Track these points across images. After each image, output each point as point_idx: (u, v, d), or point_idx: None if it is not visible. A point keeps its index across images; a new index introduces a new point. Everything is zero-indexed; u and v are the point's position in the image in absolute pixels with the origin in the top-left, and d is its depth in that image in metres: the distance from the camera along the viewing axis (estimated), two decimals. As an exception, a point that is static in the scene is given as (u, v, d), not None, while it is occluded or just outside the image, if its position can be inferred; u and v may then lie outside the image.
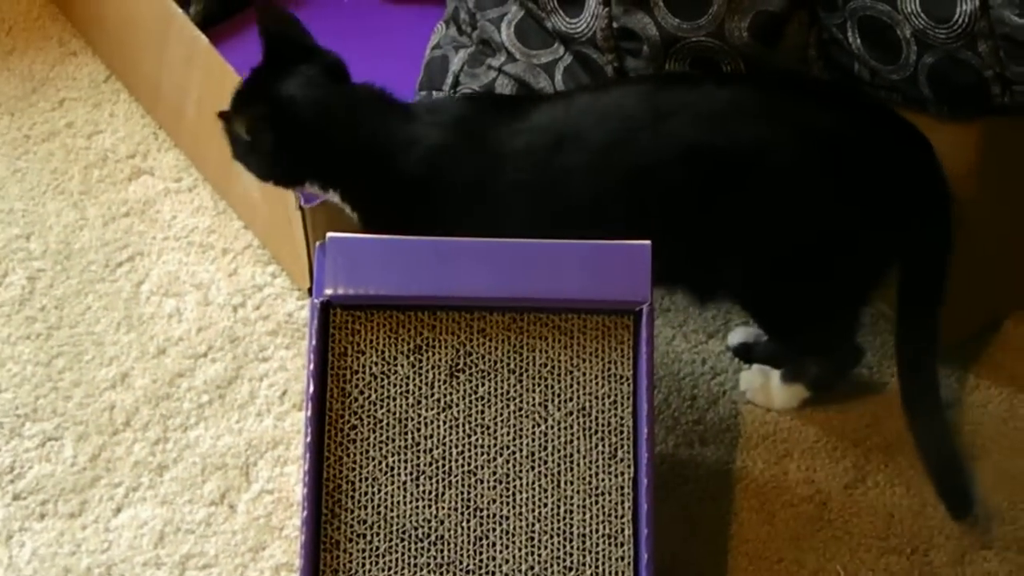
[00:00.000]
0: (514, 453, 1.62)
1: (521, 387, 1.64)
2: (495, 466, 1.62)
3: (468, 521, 1.61)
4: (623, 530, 1.60)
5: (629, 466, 1.62)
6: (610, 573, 1.60)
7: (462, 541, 1.60)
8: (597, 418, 1.63)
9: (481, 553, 1.60)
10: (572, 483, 1.61)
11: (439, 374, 1.64)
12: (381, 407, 1.63)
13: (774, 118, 1.76)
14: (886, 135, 1.78)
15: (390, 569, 1.59)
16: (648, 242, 1.62)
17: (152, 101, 2.27)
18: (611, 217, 1.74)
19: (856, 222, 1.77)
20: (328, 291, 1.62)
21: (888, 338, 1.93)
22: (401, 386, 1.63)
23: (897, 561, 1.83)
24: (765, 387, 1.97)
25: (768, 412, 1.97)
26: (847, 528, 1.86)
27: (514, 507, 1.61)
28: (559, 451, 1.62)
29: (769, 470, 1.92)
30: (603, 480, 1.62)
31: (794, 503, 1.89)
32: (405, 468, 1.62)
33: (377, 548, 1.59)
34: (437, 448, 1.62)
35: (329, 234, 1.63)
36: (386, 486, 1.61)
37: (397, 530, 1.60)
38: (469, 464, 1.62)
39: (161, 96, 2.23)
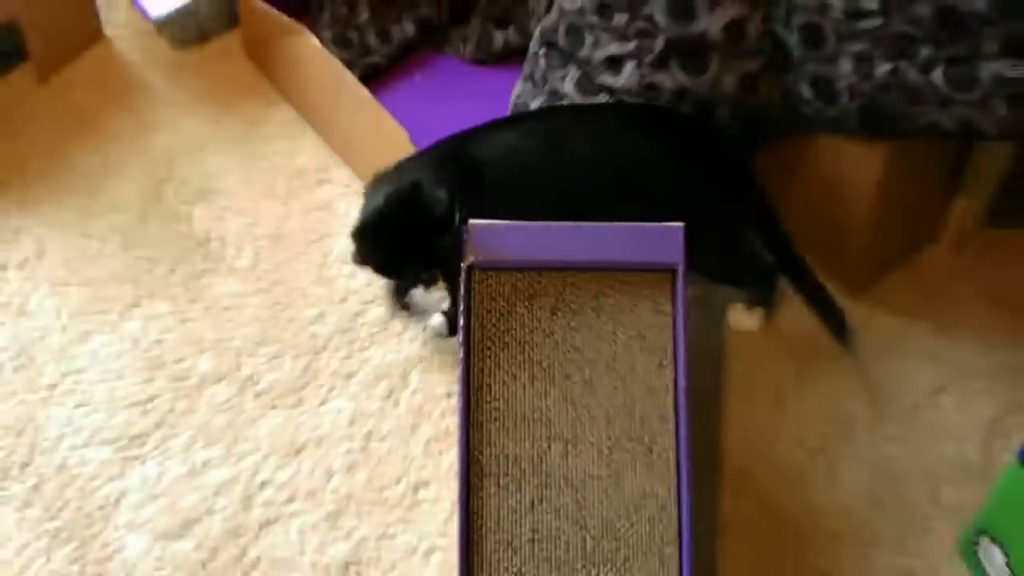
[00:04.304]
0: (596, 364, 1.61)
1: (599, 321, 1.62)
2: (583, 373, 1.61)
3: (566, 410, 1.59)
4: (669, 412, 1.59)
5: (671, 372, 1.60)
6: (660, 440, 1.59)
7: (562, 421, 1.59)
8: (649, 340, 1.62)
9: (576, 429, 1.59)
10: (635, 384, 1.60)
11: (544, 313, 1.62)
12: (507, 335, 1.61)
13: (643, 134, 1.77)
14: (711, 136, 1.80)
15: (516, 440, 1.58)
16: (682, 224, 1.60)
17: (329, 133, 2.24)
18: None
19: (712, 198, 1.77)
20: (471, 259, 1.61)
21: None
22: (519, 321, 1.62)
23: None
24: (740, 317, 1.96)
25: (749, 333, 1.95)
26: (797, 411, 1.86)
27: (596, 399, 1.60)
28: (625, 363, 1.61)
29: (747, 371, 1.90)
30: (654, 381, 1.60)
31: (752, 399, 1.87)
32: (524, 375, 1.60)
33: (507, 426, 1.58)
34: (544, 361, 1.61)
35: (471, 221, 1.61)
36: (511, 386, 1.60)
37: (519, 414, 1.59)
38: (565, 372, 1.61)
39: (336, 130, 2.20)
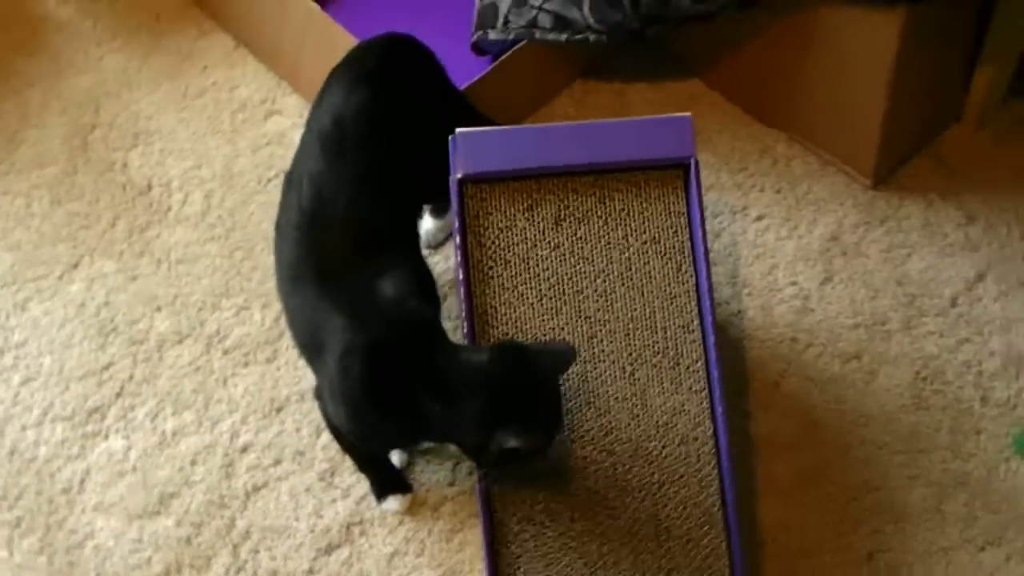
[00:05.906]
0: (608, 275, 1.65)
1: (607, 227, 1.66)
2: (595, 286, 1.65)
3: (580, 327, 1.64)
4: (693, 320, 1.64)
5: (691, 276, 1.65)
6: (686, 352, 1.64)
7: (578, 340, 1.63)
8: (664, 244, 1.66)
9: (592, 348, 1.63)
10: (652, 292, 1.65)
11: (547, 224, 1.66)
12: (508, 251, 1.65)
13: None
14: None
15: (529, 366, 1.61)
16: (689, 114, 1.64)
17: (274, 60, 2.25)
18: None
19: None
20: (460, 172, 1.64)
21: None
22: (520, 235, 1.66)
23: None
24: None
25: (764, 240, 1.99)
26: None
27: (612, 313, 1.64)
28: (640, 270, 1.65)
29: (766, 276, 1.95)
30: (674, 288, 1.65)
31: (775, 305, 1.93)
32: (531, 293, 1.64)
33: (517, 352, 1.61)
34: (552, 277, 1.65)
35: (458, 130, 1.64)
36: (518, 308, 1.64)
37: (530, 336, 1.63)
38: (576, 286, 1.65)
39: (282, 54, 2.21)
